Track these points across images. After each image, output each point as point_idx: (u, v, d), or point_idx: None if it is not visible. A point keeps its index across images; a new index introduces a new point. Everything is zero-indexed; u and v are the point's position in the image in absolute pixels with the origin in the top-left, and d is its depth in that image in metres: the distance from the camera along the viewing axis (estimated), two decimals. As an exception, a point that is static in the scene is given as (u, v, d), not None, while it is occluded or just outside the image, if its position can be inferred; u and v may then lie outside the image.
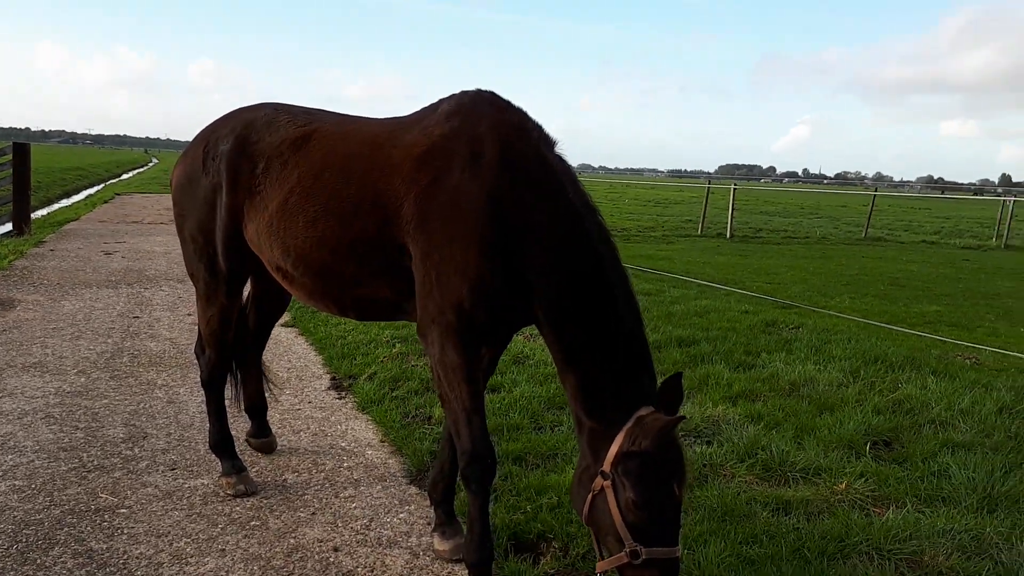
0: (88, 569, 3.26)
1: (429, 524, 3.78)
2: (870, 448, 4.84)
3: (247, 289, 4.23)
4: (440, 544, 3.50)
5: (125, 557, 3.38)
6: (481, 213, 2.95)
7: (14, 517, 3.67)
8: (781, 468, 4.46)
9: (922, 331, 9.02)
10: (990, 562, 3.45)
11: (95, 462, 4.36)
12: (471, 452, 3.03)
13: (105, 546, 3.46)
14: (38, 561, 3.31)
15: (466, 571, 3.22)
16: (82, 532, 3.57)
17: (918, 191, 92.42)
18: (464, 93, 3.28)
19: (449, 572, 3.38)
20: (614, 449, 2.78)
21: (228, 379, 4.28)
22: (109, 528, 3.63)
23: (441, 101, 3.32)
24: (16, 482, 4.05)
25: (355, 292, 3.41)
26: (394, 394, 5.73)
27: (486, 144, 3.03)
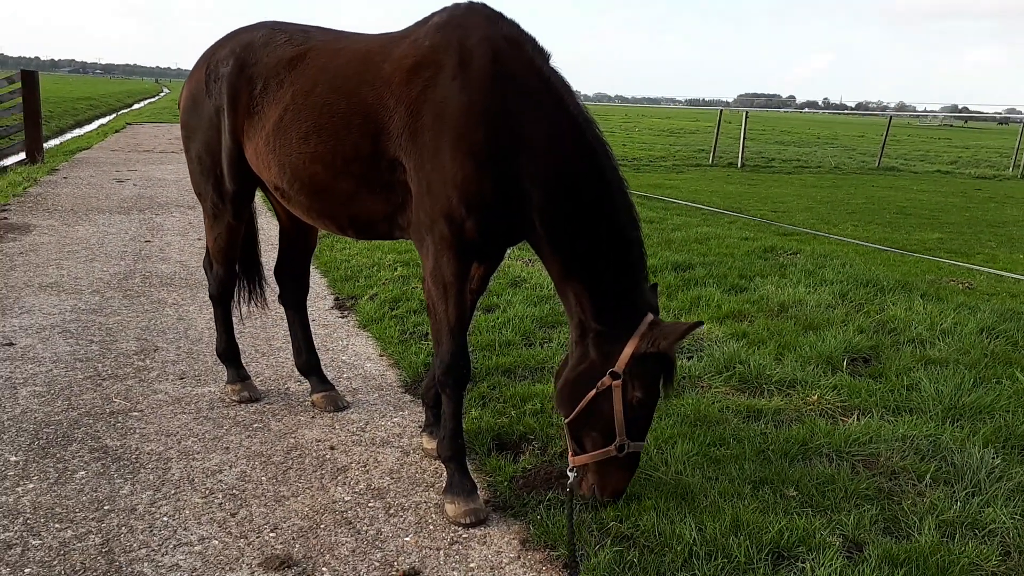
0: (104, 462, 3.56)
1: (420, 427, 4.04)
2: (847, 364, 5.04)
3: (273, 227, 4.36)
4: (428, 443, 3.77)
5: (137, 453, 3.67)
6: (470, 123, 2.99)
7: (35, 418, 3.96)
8: (757, 380, 4.68)
9: (920, 256, 9.12)
10: (943, 463, 3.67)
11: (109, 371, 4.65)
12: (449, 362, 3.22)
13: (119, 443, 3.75)
14: (58, 455, 3.60)
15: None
16: (98, 431, 3.86)
17: (941, 120, 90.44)
18: (456, 5, 3.29)
19: (436, 468, 3.64)
20: (628, 351, 3.03)
21: (235, 292, 4.46)
22: (123, 428, 3.92)
23: (433, 14, 3.34)
24: (36, 388, 4.33)
25: (351, 209, 3.48)
26: (394, 313, 5.96)
27: (476, 55, 3.05)
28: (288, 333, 4.50)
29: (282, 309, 4.50)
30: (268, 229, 4.50)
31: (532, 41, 3.19)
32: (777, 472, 3.52)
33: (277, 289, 4.45)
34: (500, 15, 3.23)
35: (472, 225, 3.06)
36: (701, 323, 3.03)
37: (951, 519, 3.19)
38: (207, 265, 4.37)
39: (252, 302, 4.57)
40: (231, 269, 4.29)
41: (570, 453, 3.25)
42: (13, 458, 3.55)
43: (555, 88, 3.08)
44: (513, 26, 3.20)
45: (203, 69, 3.93)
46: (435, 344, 3.31)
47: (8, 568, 2.79)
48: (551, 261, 3.16)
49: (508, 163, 3.02)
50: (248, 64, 3.71)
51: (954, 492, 3.41)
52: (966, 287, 7.60)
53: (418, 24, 3.38)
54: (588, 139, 3.06)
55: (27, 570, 2.78)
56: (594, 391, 3.09)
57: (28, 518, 3.08)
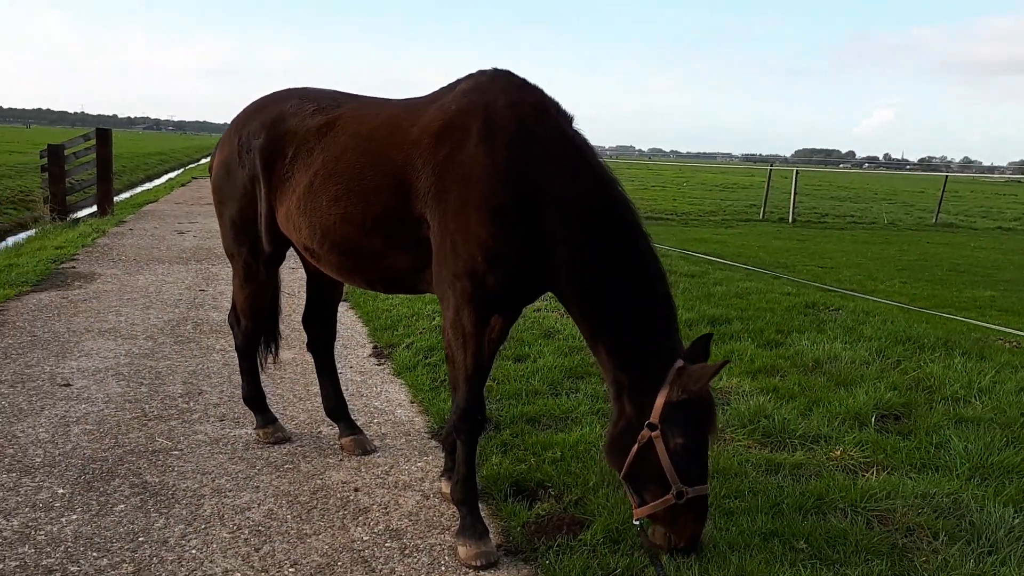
0: (142, 497, 3.78)
1: (441, 472, 4.16)
2: (877, 420, 5.00)
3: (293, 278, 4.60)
4: (446, 487, 3.88)
5: (174, 489, 3.88)
6: (494, 184, 3.15)
7: (83, 454, 4.23)
8: (781, 435, 4.68)
9: (968, 316, 8.94)
10: (961, 521, 3.63)
11: (155, 412, 4.91)
12: (465, 409, 3.36)
13: (158, 479, 3.97)
14: (101, 489, 3.84)
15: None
16: (139, 468, 4.10)
17: (1008, 176, 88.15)
18: (481, 72, 3.49)
19: (453, 511, 3.74)
20: (660, 401, 3.07)
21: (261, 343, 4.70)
22: (162, 466, 4.14)
23: (459, 80, 3.54)
24: (87, 427, 4.61)
25: (380, 265, 3.67)
26: (428, 361, 6.14)
27: (502, 118, 3.23)
28: None
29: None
30: (290, 282, 4.74)
31: (556, 105, 3.37)
32: (789, 525, 3.54)
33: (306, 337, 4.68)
34: (525, 81, 3.43)
35: (493, 281, 3.20)
36: (727, 361, 3.07)
37: (963, 577, 3.17)
38: (233, 321, 4.62)
39: (271, 354, 4.79)
40: (259, 324, 4.55)
41: (633, 505, 3.25)
42: (60, 491, 3.79)
43: (580, 149, 3.24)
44: (537, 91, 3.39)
45: (235, 139, 4.14)
46: (452, 391, 3.46)
47: (46, 592, 2.99)
48: (580, 318, 3.27)
49: (532, 222, 3.16)
50: (279, 135, 3.92)
51: (970, 550, 3.38)
52: (1014, 346, 7.43)
53: (445, 89, 3.59)
54: (615, 197, 3.21)
55: (63, 594, 2.98)
56: (636, 445, 3.12)
57: (69, 546, 3.30)
